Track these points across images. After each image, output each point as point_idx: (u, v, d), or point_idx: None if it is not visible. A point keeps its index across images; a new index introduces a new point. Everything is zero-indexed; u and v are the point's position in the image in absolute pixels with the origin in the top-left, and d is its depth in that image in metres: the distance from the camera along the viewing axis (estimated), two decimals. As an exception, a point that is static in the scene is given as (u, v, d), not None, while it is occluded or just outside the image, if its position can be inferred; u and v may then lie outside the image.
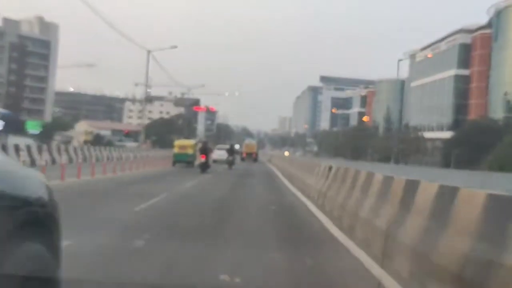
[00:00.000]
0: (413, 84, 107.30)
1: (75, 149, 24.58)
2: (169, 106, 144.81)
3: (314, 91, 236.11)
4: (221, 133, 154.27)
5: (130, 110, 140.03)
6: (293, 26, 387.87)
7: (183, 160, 28.59)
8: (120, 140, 62.66)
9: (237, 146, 42.97)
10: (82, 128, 70.09)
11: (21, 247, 1.79)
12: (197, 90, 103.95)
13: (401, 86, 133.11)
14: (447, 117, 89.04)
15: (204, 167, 23.49)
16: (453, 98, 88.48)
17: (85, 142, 56.01)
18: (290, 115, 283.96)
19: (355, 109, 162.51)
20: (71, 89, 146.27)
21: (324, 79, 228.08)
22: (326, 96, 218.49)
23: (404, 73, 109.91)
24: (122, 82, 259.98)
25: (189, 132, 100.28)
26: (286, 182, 19.97)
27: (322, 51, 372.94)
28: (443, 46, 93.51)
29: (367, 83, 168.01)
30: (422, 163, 73.55)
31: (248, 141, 56.37)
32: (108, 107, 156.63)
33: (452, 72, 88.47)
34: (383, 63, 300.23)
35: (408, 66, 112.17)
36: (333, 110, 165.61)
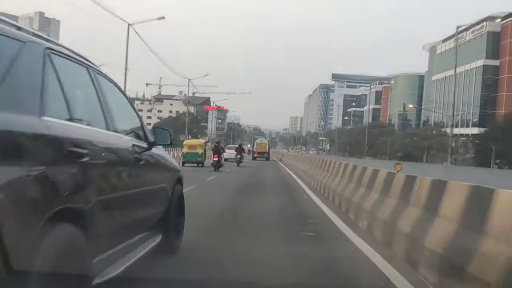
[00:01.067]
0: (434, 77, 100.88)
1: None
2: (179, 105, 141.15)
3: (326, 89, 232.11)
4: (232, 133, 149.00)
5: (139, 110, 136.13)
6: (304, 24, 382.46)
7: (192, 160, 27.78)
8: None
9: (248, 146, 42.69)
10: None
11: (176, 191, 4.75)
12: (207, 89, 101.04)
13: (419, 80, 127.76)
14: (474, 112, 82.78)
15: (217, 165, 24.30)
16: (481, 91, 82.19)
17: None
18: (301, 115, 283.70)
19: (369, 105, 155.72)
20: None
21: (336, 76, 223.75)
22: (338, 94, 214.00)
23: (421, 67, 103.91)
24: (132, 82, 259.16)
25: (198, 130, 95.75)
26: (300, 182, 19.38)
27: (334, 49, 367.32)
28: (468, 36, 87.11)
29: (380, 80, 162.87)
30: (452, 162, 67.41)
31: (259, 140, 54.21)
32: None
33: (480, 62, 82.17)
34: (396, 60, 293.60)
35: (428, 59, 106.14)
36: (353, 104, 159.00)
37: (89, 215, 2.60)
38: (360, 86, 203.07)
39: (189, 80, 56.38)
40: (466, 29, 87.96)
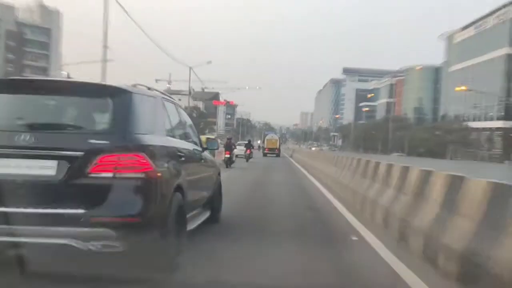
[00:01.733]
0: (452, 68, 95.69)
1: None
2: (188, 100, 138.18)
3: (337, 83, 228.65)
4: (241, 128, 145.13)
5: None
6: (315, 19, 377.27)
7: None
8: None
9: (258, 142, 47.92)
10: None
11: (218, 180, 7.08)
12: (217, 85, 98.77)
13: (434, 73, 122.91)
14: (497, 104, 77.67)
15: (229, 162, 24.23)
16: (505, 82, 77.04)
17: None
18: (311, 110, 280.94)
19: (383, 99, 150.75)
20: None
21: (347, 70, 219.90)
22: (350, 88, 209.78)
23: (436, 59, 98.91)
24: (141, 78, 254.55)
25: (205, 126, 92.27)
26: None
27: (344, 43, 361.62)
28: (490, 22, 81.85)
29: (394, 74, 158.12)
30: (482, 158, 62.72)
31: (270, 136, 53.67)
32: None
33: (503, 51, 77.00)
34: (408, 53, 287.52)
35: (445, 49, 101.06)
36: (369, 96, 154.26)
37: (185, 189, 4.59)
38: (372, 80, 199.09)
39: (190, 68, 52.02)
40: (489, 15, 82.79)
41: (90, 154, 3.57)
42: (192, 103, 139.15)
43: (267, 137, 52.74)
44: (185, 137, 5.49)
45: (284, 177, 18.47)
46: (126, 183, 3.65)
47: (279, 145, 50.79)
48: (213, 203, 6.56)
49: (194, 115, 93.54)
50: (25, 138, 3.54)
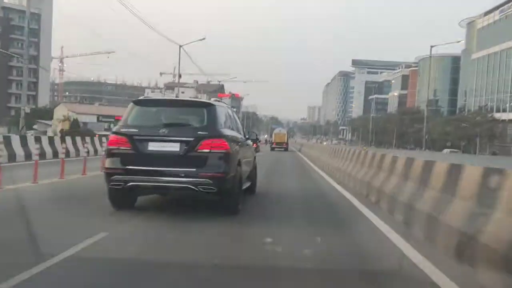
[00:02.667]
0: (473, 56, 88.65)
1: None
2: (191, 93, 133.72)
3: (345, 76, 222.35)
4: (246, 122, 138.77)
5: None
6: (323, 11, 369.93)
7: None
8: (108, 128, 48.32)
9: (265, 136, 49.08)
10: (60, 114, 54.76)
11: (255, 161, 9.98)
12: (223, 77, 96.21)
13: (451, 62, 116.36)
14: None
15: None
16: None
17: (61, 131, 41.62)
18: (319, 105, 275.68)
19: (395, 91, 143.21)
20: (92, 78, 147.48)
21: (356, 62, 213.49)
22: (359, 80, 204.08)
23: (450, 49, 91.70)
24: (144, 71, 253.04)
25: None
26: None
27: (353, 35, 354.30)
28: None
29: (406, 64, 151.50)
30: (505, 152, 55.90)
31: (278, 130, 54.51)
32: (129, 96, 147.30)
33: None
34: (420, 45, 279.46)
35: (465, 36, 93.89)
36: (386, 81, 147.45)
37: (241, 163, 7.51)
38: (381, 72, 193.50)
39: (180, 46, 45.38)
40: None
41: (197, 140, 6.56)
42: (197, 96, 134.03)
43: (275, 131, 53.68)
44: (237, 130, 8.51)
45: (292, 171, 18.71)
46: (216, 155, 6.59)
47: (287, 139, 51.34)
48: (252, 177, 9.40)
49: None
50: (164, 131, 6.61)
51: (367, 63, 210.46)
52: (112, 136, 6.90)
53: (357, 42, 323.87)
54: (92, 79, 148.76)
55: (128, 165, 6.50)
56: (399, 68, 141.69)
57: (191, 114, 7.27)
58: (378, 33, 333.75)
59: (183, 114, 7.36)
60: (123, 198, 6.90)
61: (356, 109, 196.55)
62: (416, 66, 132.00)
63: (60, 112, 56.68)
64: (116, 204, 6.90)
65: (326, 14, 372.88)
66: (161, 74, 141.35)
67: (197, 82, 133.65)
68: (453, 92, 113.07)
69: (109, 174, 6.60)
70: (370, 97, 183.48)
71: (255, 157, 10.05)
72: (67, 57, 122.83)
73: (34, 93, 79.00)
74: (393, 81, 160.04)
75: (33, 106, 68.43)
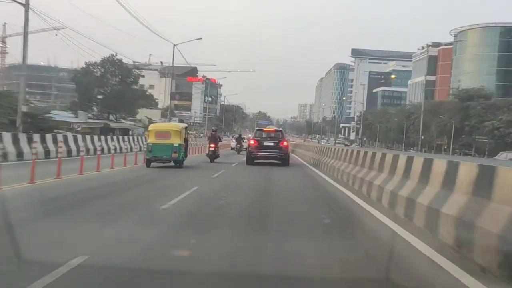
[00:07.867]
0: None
1: None
2: (155, 77, 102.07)
3: (343, 68, 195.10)
4: (227, 115, 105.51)
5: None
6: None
7: (163, 157, 18.65)
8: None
9: (249, 135, 47.31)
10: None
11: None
12: (207, 67, 68.37)
13: (500, 35, 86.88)
14: None
15: (214, 156, 23.47)
16: None
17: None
18: (310, 102, 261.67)
19: (417, 78, 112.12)
20: (41, 63, 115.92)
21: (356, 52, 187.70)
22: (361, 71, 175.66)
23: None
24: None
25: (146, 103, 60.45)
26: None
27: (349, 26, 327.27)
28: None
29: (413, 54, 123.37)
30: None
31: (267, 128, 40.91)
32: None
33: None
34: (425, 34, 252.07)
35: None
36: (393, 77, 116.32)
37: None
38: (384, 63, 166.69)
39: (174, 45, 44.15)
40: None
41: (280, 142, 22.93)
42: (162, 81, 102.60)
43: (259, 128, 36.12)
44: None
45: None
46: (287, 148, 23.19)
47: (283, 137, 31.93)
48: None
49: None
50: (269, 141, 23.15)
51: (367, 53, 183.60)
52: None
53: (353, 33, 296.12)
54: (41, 63, 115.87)
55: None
56: (422, 48, 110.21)
57: (277, 134, 24.17)
58: (378, 21, 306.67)
59: (274, 135, 24.27)
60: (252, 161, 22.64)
61: (358, 103, 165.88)
62: (449, 45, 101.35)
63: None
64: (249, 163, 22.07)
65: (318, 8, 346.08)
66: (134, 62, 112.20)
67: (162, 63, 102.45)
68: (506, 74, 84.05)
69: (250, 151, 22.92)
70: (375, 90, 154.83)
71: None
72: (10, 36, 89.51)
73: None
74: (411, 66, 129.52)
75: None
